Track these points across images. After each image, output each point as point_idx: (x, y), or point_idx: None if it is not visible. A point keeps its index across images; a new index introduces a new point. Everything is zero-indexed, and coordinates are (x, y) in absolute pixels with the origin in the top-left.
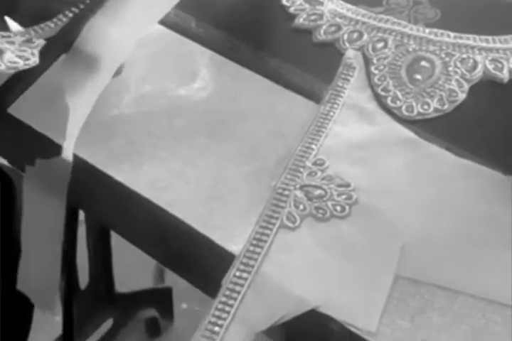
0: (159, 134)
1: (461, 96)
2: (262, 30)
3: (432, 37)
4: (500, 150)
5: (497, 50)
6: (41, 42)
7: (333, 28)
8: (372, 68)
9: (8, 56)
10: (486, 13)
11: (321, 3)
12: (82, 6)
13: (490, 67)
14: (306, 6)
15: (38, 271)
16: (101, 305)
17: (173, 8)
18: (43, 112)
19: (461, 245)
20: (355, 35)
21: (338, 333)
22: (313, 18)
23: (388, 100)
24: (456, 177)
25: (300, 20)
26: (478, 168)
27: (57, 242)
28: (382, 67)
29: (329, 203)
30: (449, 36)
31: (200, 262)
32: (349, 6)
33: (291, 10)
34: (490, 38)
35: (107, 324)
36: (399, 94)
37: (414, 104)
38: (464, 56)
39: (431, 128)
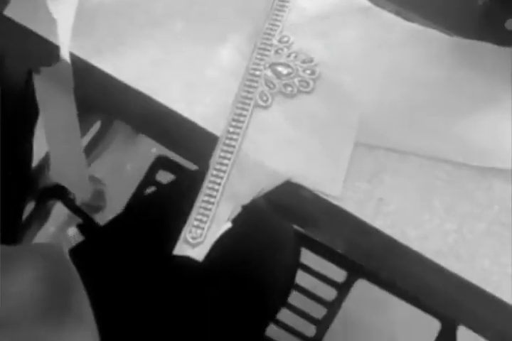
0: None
1: None
2: None
3: None
4: (445, 10)
5: None
6: None
7: None
8: None
9: None
10: None
11: None
12: None
13: None
14: None
15: (66, 162)
16: None
17: None
18: (37, 14)
19: (410, 110)
20: None
21: (310, 199)
22: None
23: None
24: (405, 43)
25: None
26: (426, 32)
27: (76, 133)
28: None
29: (296, 80)
30: None
31: (187, 142)
32: None
33: None
34: None
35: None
36: None
37: None
38: None
39: None
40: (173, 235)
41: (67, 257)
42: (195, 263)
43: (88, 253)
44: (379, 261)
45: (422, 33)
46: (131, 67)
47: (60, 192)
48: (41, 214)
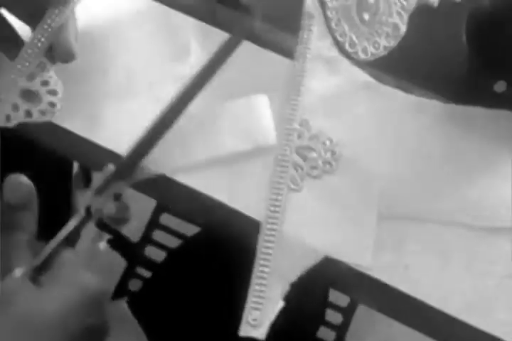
0: None
1: (403, 28)
2: None
3: None
4: (441, 78)
5: None
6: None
7: None
8: (328, 12)
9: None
10: None
11: None
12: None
13: None
14: None
15: None
16: None
17: None
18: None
19: (422, 180)
20: None
21: (343, 269)
22: None
23: (346, 46)
24: (406, 114)
25: None
26: (423, 102)
27: None
28: (335, 10)
29: (320, 161)
30: None
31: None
32: None
33: None
34: None
35: None
36: (354, 37)
37: (366, 45)
38: None
39: (383, 66)
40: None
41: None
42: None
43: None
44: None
45: (420, 103)
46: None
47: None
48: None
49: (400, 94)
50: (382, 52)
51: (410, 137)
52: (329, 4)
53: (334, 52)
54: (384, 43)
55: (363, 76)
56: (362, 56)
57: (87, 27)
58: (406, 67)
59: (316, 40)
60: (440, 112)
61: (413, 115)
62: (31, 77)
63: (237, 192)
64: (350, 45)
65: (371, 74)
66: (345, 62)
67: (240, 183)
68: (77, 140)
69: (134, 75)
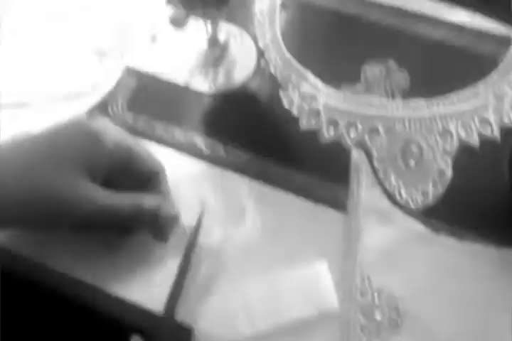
0: None
1: (449, 173)
2: (276, 142)
3: (410, 113)
4: (491, 220)
5: (464, 112)
6: None
7: (332, 126)
8: (375, 162)
9: None
10: (445, 64)
11: (315, 99)
12: None
13: (462, 134)
14: (304, 105)
15: None
16: None
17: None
18: None
19: (485, 330)
20: (352, 130)
21: None
22: (314, 121)
23: (396, 195)
24: (465, 266)
25: (304, 123)
26: (480, 251)
27: None
28: (381, 160)
29: (385, 321)
30: (423, 107)
31: None
32: (338, 93)
33: (294, 113)
34: (455, 98)
35: None
36: (402, 186)
37: (416, 194)
38: (440, 128)
39: (433, 214)
40: None
41: None
42: None
43: None
44: None
45: (475, 251)
46: None
47: None
48: None
49: (454, 242)
50: (431, 200)
51: (469, 287)
52: (375, 154)
53: (385, 203)
54: (432, 190)
55: (416, 226)
56: (412, 205)
57: None
58: (456, 212)
59: (366, 192)
60: (496, 259)
61: (470, 263)
62: None
63: None
64: (399, 194)
65: (424, 223)
66: (398, 212)
67: None
68: None
69: None
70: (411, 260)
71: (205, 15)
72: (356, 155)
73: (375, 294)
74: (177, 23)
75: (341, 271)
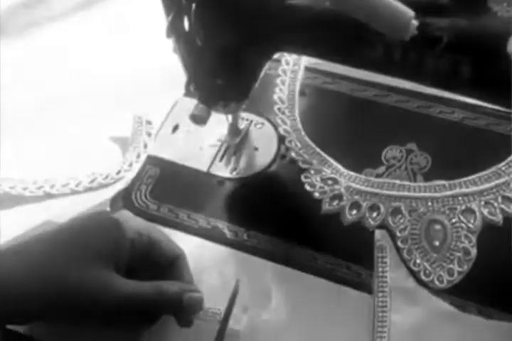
0: None
1: (473, 251)
2: (298, 225)
3: (434, 194)
4: None
5: (486, 191)
6: None
7: (354, 209)
8: (399, 242)
9: None
10: (467, 146)
11: (337, 182)
12: None
13: (485, 212)
14: (326, 188)
15: None
16: None
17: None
18: None
19: None
20: (375, 212)
21: None
22: (335, 201)
23: (421, 275)
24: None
25: (326, 206)
26: (509, 328)
27: None
28: (405, 240)
29: None
30: (445, 187)
31: None
32: (359, 176)
33: (316, 195)
34: (477, 178)
35: None
36: (427, 265)
37: (442, 273)
38: (463, 207)
39: (460, 293)
40: None
41: None
42: None
43: None
44: None
45: (504, 329)
46: None
47: None
48: None
49: (481, 320)
50: (457, 278)
51: None
52: (398, 234)
53: (411, 283)
54: (457, 269)
55: (443, 305)
56: (438, 284)
57: None
58: (482, 290)
59: (391, 272)
60: None
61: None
62: None
63: None
64: (425, 273)
65: (451, 302)
66: (424, 292)
67: None
68: None
69: None
70: (439, 338)
71: (225, 111)
72: (380, 235)
73: None
74: (198, 120)
75: None
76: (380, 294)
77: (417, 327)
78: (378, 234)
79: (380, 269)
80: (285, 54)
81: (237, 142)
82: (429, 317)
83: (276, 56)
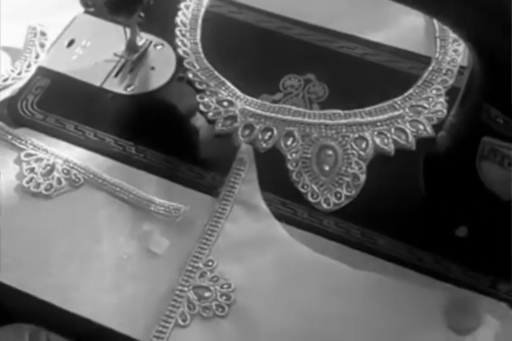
0: None
1: (362, 177)
2: (191, 143)
3: (327, 121)
4: (403, 225)
5: (380, 122)
6: None
7: (247, 130)
8: (288, 165)
9: None
10: (364, 81)
11: (232, 104)
12: None
13: (377, 141)
14: (221, 109)
15: None
16: None
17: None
18: None
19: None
20: (268, 133)
21: None
22: (228, 122)
23: (309, 196)
24: (315, 275)
25: (219, 126)
26: (336, 266)
27: None
28: (295, 162)
29: (213, 303)
30: (340, 116)
31: None
32: (255, 100)
33: (210, 115)
34: (372, 109)
35: None
36: (315, 188)
37: (329, 196)
38: (356, 135)
39: (345, 216)
40: None
41: None
42: None
43: None
44: None
45: (332, 266)
46: None
47: None
48: None
49: (312, 253)
50: (344, 202)
51: (312, 299)
52: (289, 157)
53: (257, 199)
54: (345, 193)
55: (278, 229)
56: (325, 206)
57: None
58: (370, 215)
59: (242, 185)
60: (354, 278)
61: (321, 277)
62: None
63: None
64: (312, 196)
65: (337, 224)
66: (266, 212)
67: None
68: None
69: None
70: (260, 258)
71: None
72: (244, 149)
73: (213, 278)
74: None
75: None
76: (223, 202)
77: (244, 239)
78: (244, 147)
79: (232, 179)
80: None
81: (134, 58)
82: (259, 235)
83: None
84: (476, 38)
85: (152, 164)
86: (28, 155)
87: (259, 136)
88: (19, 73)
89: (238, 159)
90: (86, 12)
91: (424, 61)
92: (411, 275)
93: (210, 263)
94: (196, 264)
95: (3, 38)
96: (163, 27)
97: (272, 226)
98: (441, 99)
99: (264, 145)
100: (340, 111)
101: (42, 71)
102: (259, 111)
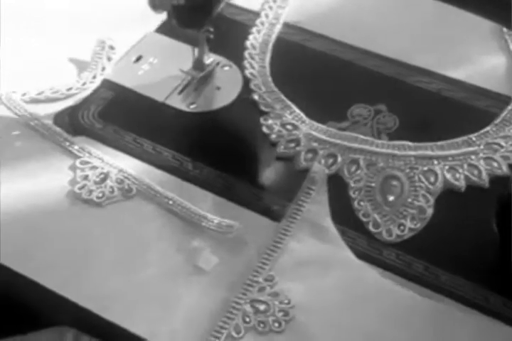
0: None
1: (429, 211)
2: (251, 164)
3: (396, 152)
4: (471, 264)
5: (452, 156)
6: None
7: (310, 154)
8: (351, 192)
9: None
10: (438, 116)
11: (297, 127)
12: None
13: (448, 176)
14: (284, 132)
15: None
16: None
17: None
18: None
19: None
20: (331, 159)
21: None
22: (291, 145)
23: (370, 226)
24: (378, 299)
25: (281, 149)
26: (399, 292)
27: None
28: (358, 191)
29: (270, 318)
30: (410, 148)
31: None
32: (321, 126)
33: (273, 138)
34: (445, 143)
35: None
36: (377, 218)
37: (391, 227)
38: (425, 168)
39: (408, 249)
40: None
41: None
42: None
43: None
44: None
45: (397, 292)
46: None
47: None
48: None
49: (380, 278)
50: (407, 234)
51: (372, 320)
52: (352, 184)
53: (327, 222)
54: (409, 225)
55: (346, 252)
56: (386, 237)
57: None
58: (435, 250)
59: (311, 205)
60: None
61: (385, 302)
62: None
63: None
64: (374, 225)
65: (398, 257)
66: (335, 235)
67: None
68: None
69: None
70: (325, 277)
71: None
72: (317, 169)
73: (273, 293)
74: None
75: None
76: (290, 219)
77: (308, 259)
78: (316, 166)
79: (302, 198)
80: (266, 8)
81: (200, 76)
82: (326, 255)
83: (256, 9)
84: None
85: (208, 181)
86: (84, 162)
87: (322, 162)
88: (84, 84)
89: (309, 178)
90: (156, 30)
91: (504, 100)
92: (475, 314)
93: (270, 278)
94: (256, 278)
95: (71, 49)
96: (233, 49)
97: (340, 248)
98: None
99: (326, 171)
100: (410, 143)
101: (107, 83)
102: (324, 137)
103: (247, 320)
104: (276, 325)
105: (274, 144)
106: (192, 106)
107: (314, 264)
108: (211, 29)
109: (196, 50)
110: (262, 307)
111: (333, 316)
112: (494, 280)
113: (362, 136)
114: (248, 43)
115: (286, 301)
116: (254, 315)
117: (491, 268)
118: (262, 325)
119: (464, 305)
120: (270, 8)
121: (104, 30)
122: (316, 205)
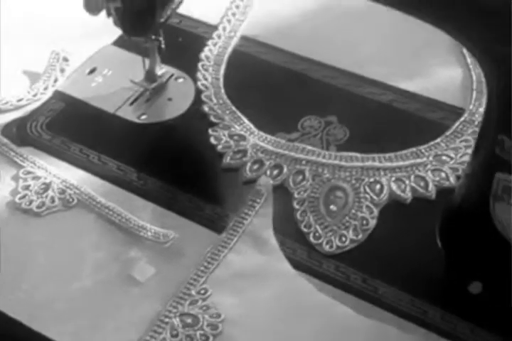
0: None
1: (372, 223)
2: (196, 175)
3: (343, 163)
4: (412, 276)
5: (399, 168)
6: None
7: (256, 165)
8: (294, 203)
9: None
10: (390, 127)
11: (244, 138)
12: None
13: (394, 187)
14: (232, 143)
15: None
16: None
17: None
18: None
19: None
20: (277, 170)
21: None
22: (238, 156)
23: (310, 237)
24: (313, 314)
25: (227, 159)
26: (335, 307)
27: None
28: (301, 201)
29: (198, 332)
30: (357, 159)
31: None
32: (270, 137)
33: (219, 148)
34: (393, 155)
35: None
36: (319, 229)
37: (332, 238)
38: (372, 180)
39: (348, 261)
40: None
41: None
42: None
43: None
44: None
45: (332, 308)
46: None
47: None
48: None
49: (315, 292)
50: (348, 245)
51: (306, 335)
52: (296, 195)
53: (268, 233)
54: (351, 237)
55: (284, 264)
56: (327, 248)
57: None
58: (375, 263)
59: (256, 218)
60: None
61: (320, 317)
62: None
63: None
64: (314, 236)
65: (337, 269)
66: (275, 247)
67: None
68: None
69: None
70: (261, 289)
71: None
72: (263, 182)
73: (203, 307)
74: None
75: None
76: (230, 231)
77: (245, 271)
78: (263, 180)
79: (245, 210)
80: (224, 21)
81: (151, 87)
82: (263, 267)
83: (215, 22)
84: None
85: (150, 192)
86: (27, 172)
87: (268, 173)
88: (35, 95)
89: (255, 191)
90: (114, 43)
91: (458, 112)
92: (412, 328)
93: (203, 292)
94: (188, 291)
95: (25, 60)
96: (188, 61)
97: (278, 261)
98: (470, 151)
99: (271, 182)
100: (357, 154)
101: (58, 95)
102: (271, 148)
103: (175, 333)
104: (203, 338)
105: (221, 155)
106: (143, 117)
107: (251, 276)
108: (160, 38)
109: (147, 61)
110: (190, 320)
111: (265, 329)
112: (433, 294)
113: (309, 147)
114: (203, 55)
115: (215, 315)
116: (182, 328)
117: (431, 281)
118: (188, 339)
119: (402, 319)
120: (229, 21)
121: (62, 42)
122: (260, 218)
